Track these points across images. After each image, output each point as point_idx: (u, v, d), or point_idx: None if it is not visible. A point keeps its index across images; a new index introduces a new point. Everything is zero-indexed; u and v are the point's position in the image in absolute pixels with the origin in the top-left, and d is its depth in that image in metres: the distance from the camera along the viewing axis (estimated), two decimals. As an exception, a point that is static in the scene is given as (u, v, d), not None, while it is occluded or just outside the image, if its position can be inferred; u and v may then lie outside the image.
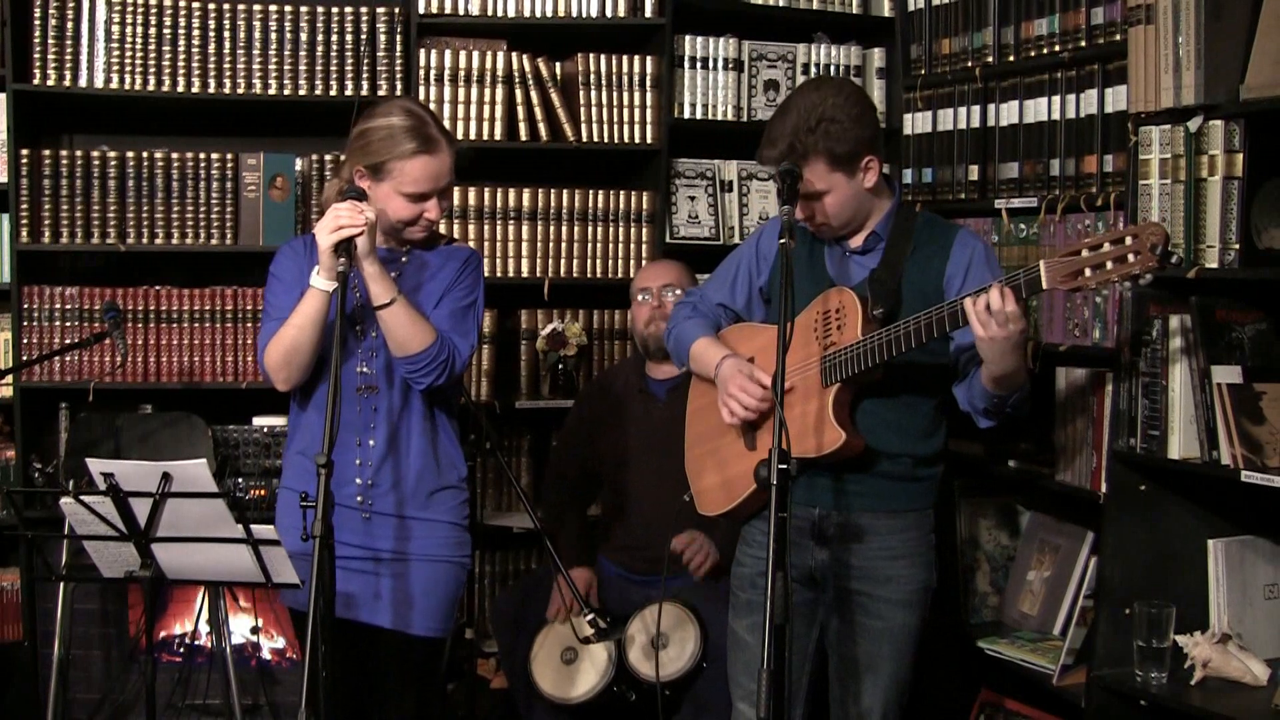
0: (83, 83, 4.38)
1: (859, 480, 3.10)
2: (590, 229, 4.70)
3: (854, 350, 2.97)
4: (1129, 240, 2.66)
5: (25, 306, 4.38)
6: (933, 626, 4.19)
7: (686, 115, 4.70)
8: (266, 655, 4.52)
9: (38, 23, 4.34)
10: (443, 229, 4.47)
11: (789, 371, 3.05)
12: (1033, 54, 3.96)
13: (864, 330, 2.98)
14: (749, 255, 3.34)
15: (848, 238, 3.17)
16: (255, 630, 4.51)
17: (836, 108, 3.01)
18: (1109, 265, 2.68)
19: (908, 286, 3.07)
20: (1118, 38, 3.63)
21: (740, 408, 3.08)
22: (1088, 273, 2.70)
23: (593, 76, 4.62)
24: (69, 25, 4.36)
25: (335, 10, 4.51)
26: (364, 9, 4.53)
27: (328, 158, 4.53)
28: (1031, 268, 2.77)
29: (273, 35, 4.48)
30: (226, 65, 4.46)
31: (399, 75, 4.52)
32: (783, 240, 2.80)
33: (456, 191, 4.59)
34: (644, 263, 4.64)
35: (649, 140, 4.67)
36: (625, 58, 4.64)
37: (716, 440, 3.29)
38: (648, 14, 4.63)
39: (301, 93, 4.49)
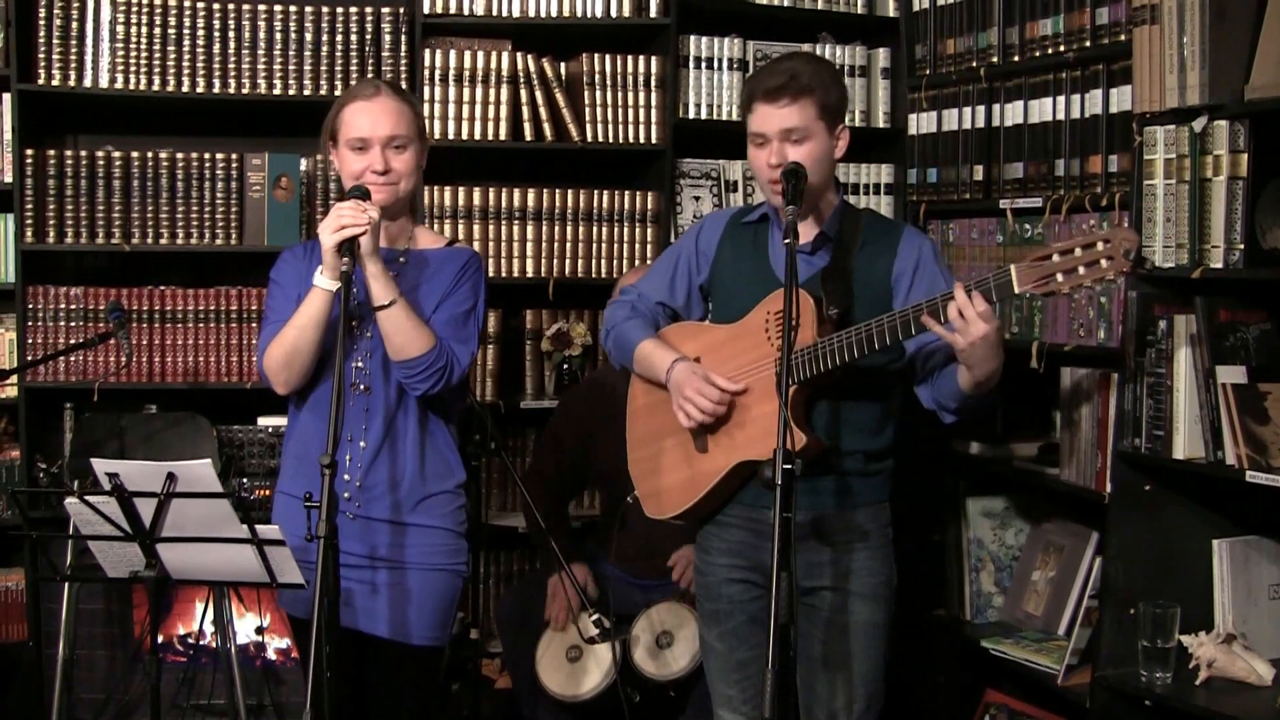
0: (87, 83, 4.38)
1: (814, 478, 3.02)
2: (595, 229, 4.70)
3: (811, 353, 2.91)
4: (1101, 245, 2.65)
5: (30, 306, 4.38)
6: (936, 626, 4.21)
7: (691, 115, 4.69)
8: (271, 655, 4.52)
9: (42, 23, 4.34)
10: (447, 229, 4.54)
11: (742, 373, 3.02)
12: (1037, 54, 3.96)
13: (819, 332, 2.93)
14: (688, 252, 3.27)
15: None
16: (260, 630, 4.51)
17: (825, 68, 3.10)
18: (1081, 270, 2.67)
19: (858, 283, 3.02)
20: (1122, 38, 3.63)
21: (697, 411, 3.03)
22: (1059, 277, 2.68)
23: (597, 76, 4.62)
24: (73, 25, 4.36)
25: (340, 10, 4.51)
26: (369, 9, 4.54)
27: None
28: (1002, 271, 2.74)
29: (277, 35, 4.48)
30: (231, 65, 4.46)
31: (404, 75, 4.52)
32: (787, 240, 2.77)
33: (461, 191, 4.60)
34: (638, 263, 4.64)
35: (654, 140, 4.66)
36: (630, 58, 4.64)
37: (662, 442, 3.22)
38: (652, 14, 4.63)
39: (306, 93, 4.49)
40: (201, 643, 4.52)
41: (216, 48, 4.45)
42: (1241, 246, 3.21)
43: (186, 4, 4.42)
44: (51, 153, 4.38)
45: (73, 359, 4.41)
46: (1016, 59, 4.04)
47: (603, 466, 4.15)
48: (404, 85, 4.49)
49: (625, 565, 4.11)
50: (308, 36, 4.49)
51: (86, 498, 2.93)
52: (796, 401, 2.95)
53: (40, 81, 4.35)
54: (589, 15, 4.61)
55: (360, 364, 3.10)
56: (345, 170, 3.12)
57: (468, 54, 4.54)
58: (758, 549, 3.04)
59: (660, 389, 3.17)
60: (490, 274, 4.57)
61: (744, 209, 3.24)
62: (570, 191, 4.69)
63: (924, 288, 3.01)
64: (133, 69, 4.40)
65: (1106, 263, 2.64)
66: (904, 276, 3.05)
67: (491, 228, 4.64)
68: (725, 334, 3.12)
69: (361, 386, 3.09)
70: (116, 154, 4.42)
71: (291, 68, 4.49)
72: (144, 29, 4.40)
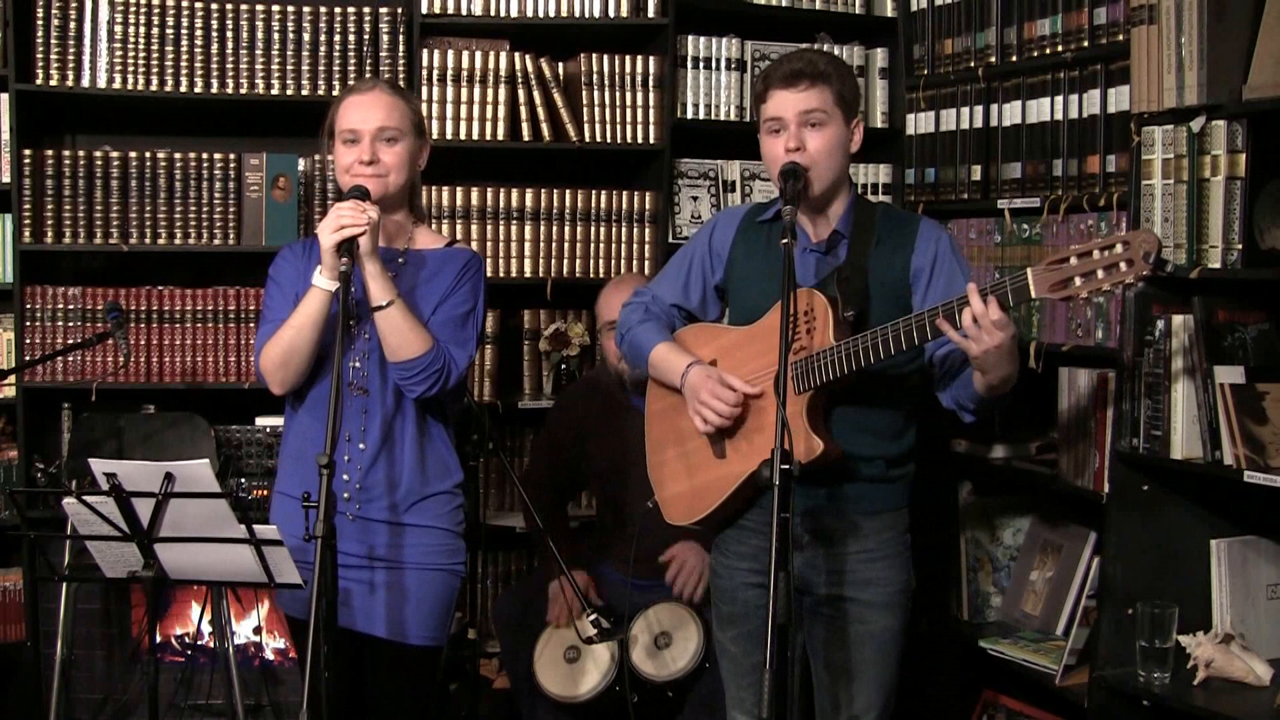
0: (85, 83, 4.38)
1: (833, 484, 3.00)
2: (593, 229, 4.70)
3: (828, 357, 2.86)
4: (1120, 248, 2.57)
5: (28, 306, 4.38)
6: (934, 626, 4.21)
7: (689, 115, 4.69)
8: (269, 655, 4.52)
9: (40, 23, 4.34)
10: (445, 229, 4.53)
11: (757, 376, 2.99)
12: (1035, 54, 3.96)
13: (836, 335, 2.88)
14: (701, 252, 3.23)
15: (809, 216, 3.08)
16: (258, 630, 4.51)
17: (840, 61, 3.10)
18: (1100, 274, 2.59)
19: (874, 282, 2.98)
20: (1120, 38, 3.63)
21: (714, 415, 2.99)
22: (1078, 281, 2.61)
23: (595, 76, 4.62)
24: (71, 25, 4.36)
25: (338, 10, 4.51)
26: (366, 9, 4.54)
27: (330, 158, 4.53)
28: (1018, 276, 2.67)
29: (275, 35, 4.48)
30: (229, 65, 4.46)
31: (402, 75, 4.52)
32: (784, 241, 2.75)
33: (459, 191, 4.60)
34: (645, 265, 4.64)
35: (651, 140, 4.66)
36: (628, 58, 4.64)
37: (679, 447, 3.19)
38: (650, 14, 4.63)
39: (304, 93, 4.49)
40: (199, 643, 4.52)
41: (215, 48, 4.45)
42: (1239, 246, 3.21)
43: (185, 4, 4.42)
44: (50, 153, 4.38)
45: (71, 359, 4.40)
46: (1014, 59, 4.04)
47: (599, 465, 4.15)
48: (402, 85, 4.51)
49: (622, 566, 4.08)
50: (305, 36, 4.49)
51: (84, 498, 2.93)
52: (814, 406, 2.92)
53: (38, 81, 4.35)
54: (587, 15, 4.61)
55: (357, 364, 3.09)
56: (338, 164, 3.13)
57: (465, 54, 4.54)
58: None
59: (675, 393, 3.14)
60: (488, 274, 4.57)
61: (758, 207, 3.20)
62: (568, 191, 4.69)
63: (942, 284, 2.97)
64: (131, 69, 4.40)
65: (1126, 266, 2.56)
66: (922, 272, 3.01)
67: (489, 228, 4.64)
68: (741, 336, 3.08)
69: (359, 388, 3.08)
70: (114, 154, 4.42)
71: (289, 68, 4.49)
72: (142, 29, 4.40)
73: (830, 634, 3.07)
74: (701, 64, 4.70)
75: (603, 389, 4.17)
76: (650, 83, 4.65)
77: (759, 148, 3.10)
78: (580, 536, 4.40)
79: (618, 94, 4.64)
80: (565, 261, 4.69)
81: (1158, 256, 2.58)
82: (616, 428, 4.06)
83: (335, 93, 4.43)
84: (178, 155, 4.45)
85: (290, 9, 4.49)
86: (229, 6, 4.45)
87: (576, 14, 4.61)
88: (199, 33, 4.43)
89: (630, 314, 3.29)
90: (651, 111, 4.66)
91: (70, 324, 4.41)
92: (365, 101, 3.09)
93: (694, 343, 3.17)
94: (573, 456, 4.21)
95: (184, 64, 4.43)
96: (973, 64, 4.20)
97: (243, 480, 4.39)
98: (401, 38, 4.54)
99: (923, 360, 3.04)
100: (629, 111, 4.65)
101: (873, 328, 2.84)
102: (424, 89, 4.50)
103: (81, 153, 4.40)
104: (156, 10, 4.40)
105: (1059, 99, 3.87)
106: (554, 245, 4.68)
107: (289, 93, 4.49)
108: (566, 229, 4.69)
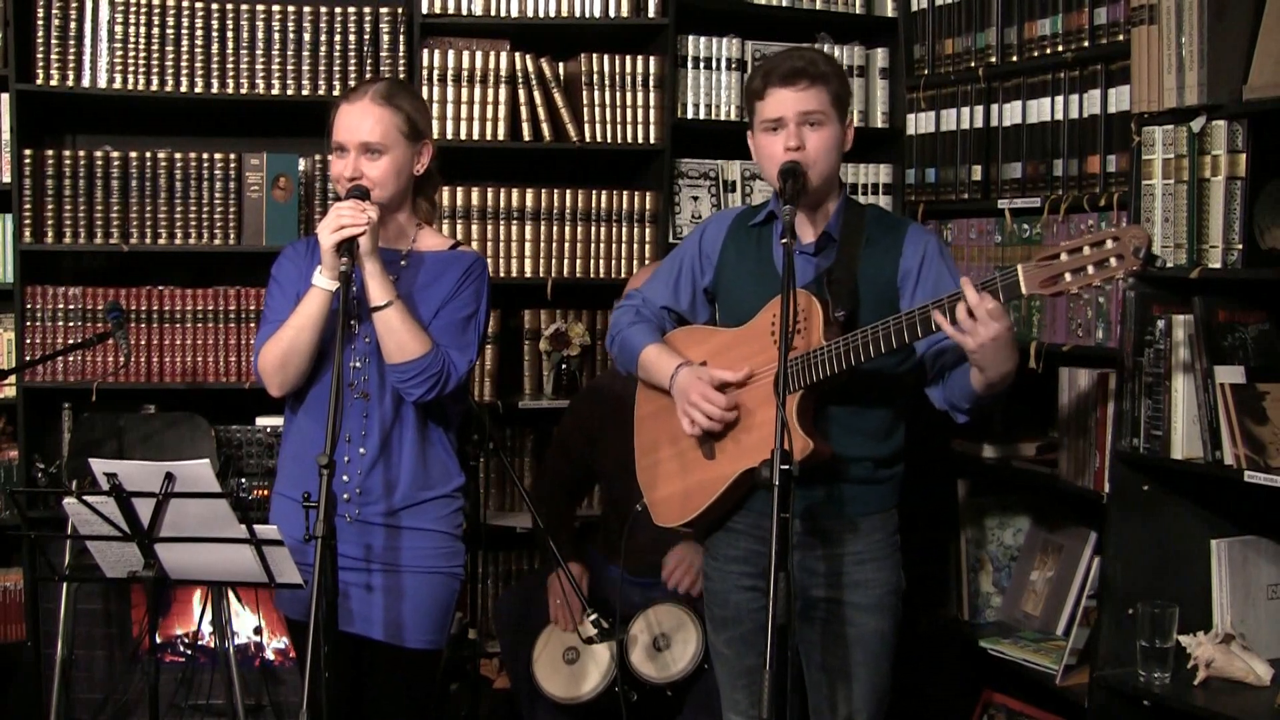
0: (85, 83, 4.38)
1: (821, 486, 2.99)
2: (593, 229, 4.70)
3: (817, 357, 2.86)
4: (1110, 244, 2.59)
5: (28, 306, 4.38)
6: (934, 626, 4.21)
7: (689, 115, 4.69)
8: (269, 655, 4.52)
9: (40, 23, 4.34)
10: (445, 229, 4.53)
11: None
12: (1036, 54, 3.96)
13: (826, 335, 2.88)
14: (691, 255, 3.23)
15: (804, 216, 3.06)
16: (258, 630, 4.51)
17: (834, 60, 3.11)
18: (1090, 270, 2.61)
19: (863, 283, 2.98)
20: (1121, 38, 3.63)
21: (703, 418, 2.99)
22: (1068, 277, 2.62)
23: (595, 76, 4.62)
24: (72, 25, 4.36)
25: (338, 10, 4.51)
26: (367, 9, 4.54)
27: (331, 158, 4.52)
28: (1009, 272, 2.68)
29: (275, 35, 4.48)
30: (230, 65, 4.46)
31: (402, 75, 4.52)
32: (784, 240, 2.75)
33: (460, 191, 4.60)
34: (647, 263, 4.64)
35: (652, 140, 4.66)
36: (628, 58, 4.64)
37: (669, 449, 3.18)
38: (650, 14, 4.63)
39: (305, 93, 4.49)
40: (200, 643, 4.52)
41: (215, 48, 4.45)
42: (1240, 246, 3.21)
43: (185, 4, 4.42)
44: (50, 153, 4.38)
45: (71, 359, 4.40)
46: (1015, 59, 4.04)
47: (606, 467, 4.15)
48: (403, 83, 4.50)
49: (624, 562, 4.09)
50: (306, 36, 4.49)
51: (85, 498, 2.93)
52: (805, 407, 2.91)
53: (39, 81, 4.35)
54: (587, 15, 4.61)
55: (357, 364, 3.08)
56: (330, 172, 3.14)
57: (466, 54, 4.54)
58: (763, 555, 3.00)
59: (665, 396, 3.13)
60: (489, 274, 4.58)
61: (749, 210, 3.20)
62: (569, 191, 4.69)
63: (929, 286, 2.97)
64: (131, 69, 4.40)
65: (1116, 261, 2.59)
66: (910, 275, 3.01)
67: (490, 228, 4.64)
68: (731, 338, 3.08)
69: (359, 392, 3.08)
70: (115, 154, 4.42)
71: (290, 68, 4.49)
72: (143, 29, 4.40)
73: (821, 636, 3.07)
74: (702, 64, 4.70)
75: (606, 393, 4.18)
76: (650, 83, 4.65)
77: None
78: (584, 535, 4.40)
79: (618, 94, 4.64)
80: (566, 261, 4.69)
81: (1148, 252, 2.60)
82: (620, 429, 4.05)
83: (335, 93, 4.45)
84: (178, 155, 4.45)
85: (290, 9, 4.49)
86: (229, 6, 4.45)
87: (576, 14, 4.61)
88: (199, 33, 4.44)
89: (621, 316, 3.30)
90: (652, 111, 4.66)
91: (70, 324, 4.41)
92: (353, 112, 3.07)
93: (684, 345, 3.17)
94: (581, 459, 4.22)
95: (184, 64, 4.43)
96: (973, 64, 4.20)
97: (243, 480, 4.39)
98: (402, 38, 4.54)
99: (914, 360, 3.03)
100: (629, 111, 4.65)
101: (862, 327, 2.84)
102: (424, 89, 4.50)
103: (81, 153, 4.40)
104: (156, 10, 4.41)
105: (1059, 99, 3.87)
106: (554, 245, 4.68)
107: (289, 93, 4.49)
108: (567, 229, 4.69)
